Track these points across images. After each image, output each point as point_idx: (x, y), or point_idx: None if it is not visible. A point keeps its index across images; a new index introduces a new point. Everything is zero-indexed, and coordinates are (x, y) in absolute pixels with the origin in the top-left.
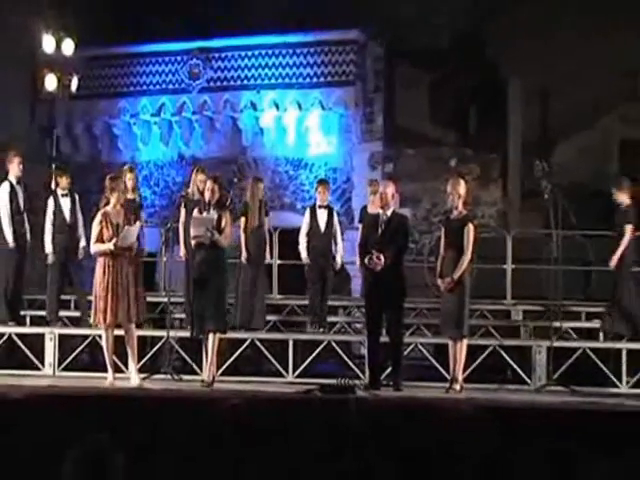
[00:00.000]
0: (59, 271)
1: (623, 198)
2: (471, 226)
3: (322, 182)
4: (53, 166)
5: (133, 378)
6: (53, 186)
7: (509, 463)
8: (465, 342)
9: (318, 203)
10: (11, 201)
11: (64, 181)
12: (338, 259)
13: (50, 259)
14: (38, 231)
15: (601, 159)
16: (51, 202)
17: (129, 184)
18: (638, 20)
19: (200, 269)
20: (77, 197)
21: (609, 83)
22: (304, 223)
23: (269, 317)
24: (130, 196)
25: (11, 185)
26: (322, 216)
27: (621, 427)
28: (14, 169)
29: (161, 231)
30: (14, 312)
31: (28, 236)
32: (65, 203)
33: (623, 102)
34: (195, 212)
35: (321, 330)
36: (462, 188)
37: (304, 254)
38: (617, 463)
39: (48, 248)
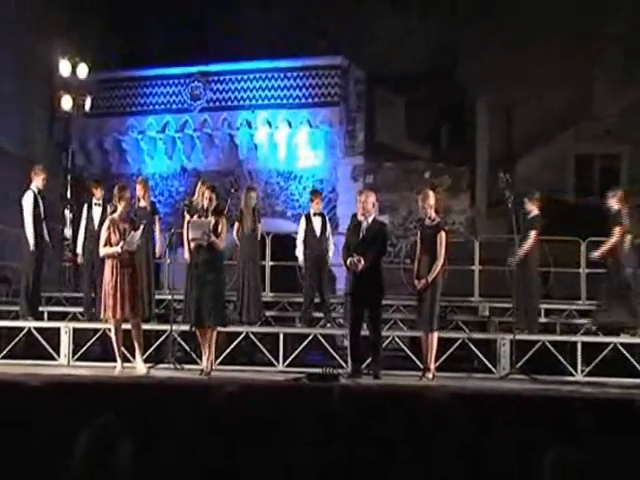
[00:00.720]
0: (89, 273)
1: (532, 208)
2: (443, 233)
3: (316, 193)
4: (69, 177)
5: (139, 367)
6: (87, 196)
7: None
8: (436, 335)
9: (312, 211)
10: (34, 209)
11: (98, 192)
12: (330, 255)
13: (80, 260)
14: (54, 236)
15: (559, 172)
16: (85, 210)
17: (139, 194)
18: (596, 44)
19: (199, 269)
20: (108, 207)
21: (567, 102)
22: (300, 230)
23: None
24: (142, 204)
25: (34, 194)
26: (317, 222)
27: (577, 412)
28: (38, 181)
29: (165, 235)
30: (33, 308)
31: (47, 241)
32: (97, 212)
33: (579, 120)
34: (194, 217)
35: (328, 324)
36: (431, 199)
37: (301, 258)
38: (572, 446)
39: (79, 250)
